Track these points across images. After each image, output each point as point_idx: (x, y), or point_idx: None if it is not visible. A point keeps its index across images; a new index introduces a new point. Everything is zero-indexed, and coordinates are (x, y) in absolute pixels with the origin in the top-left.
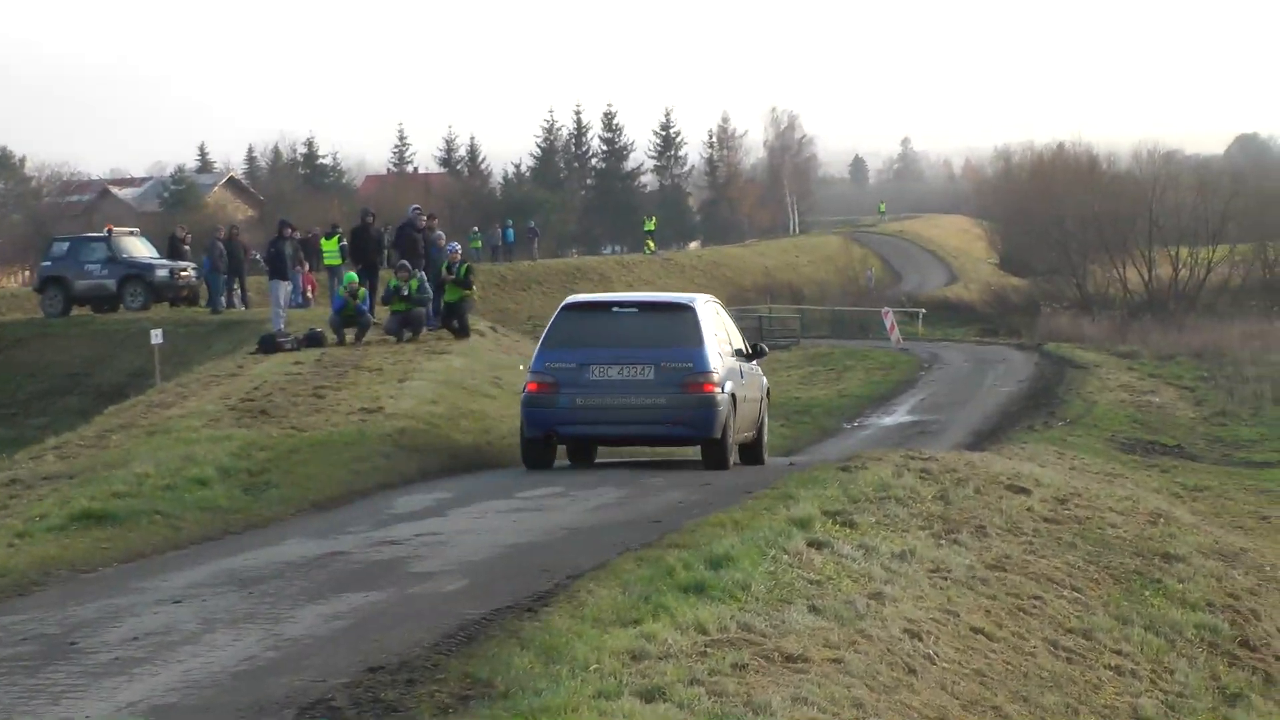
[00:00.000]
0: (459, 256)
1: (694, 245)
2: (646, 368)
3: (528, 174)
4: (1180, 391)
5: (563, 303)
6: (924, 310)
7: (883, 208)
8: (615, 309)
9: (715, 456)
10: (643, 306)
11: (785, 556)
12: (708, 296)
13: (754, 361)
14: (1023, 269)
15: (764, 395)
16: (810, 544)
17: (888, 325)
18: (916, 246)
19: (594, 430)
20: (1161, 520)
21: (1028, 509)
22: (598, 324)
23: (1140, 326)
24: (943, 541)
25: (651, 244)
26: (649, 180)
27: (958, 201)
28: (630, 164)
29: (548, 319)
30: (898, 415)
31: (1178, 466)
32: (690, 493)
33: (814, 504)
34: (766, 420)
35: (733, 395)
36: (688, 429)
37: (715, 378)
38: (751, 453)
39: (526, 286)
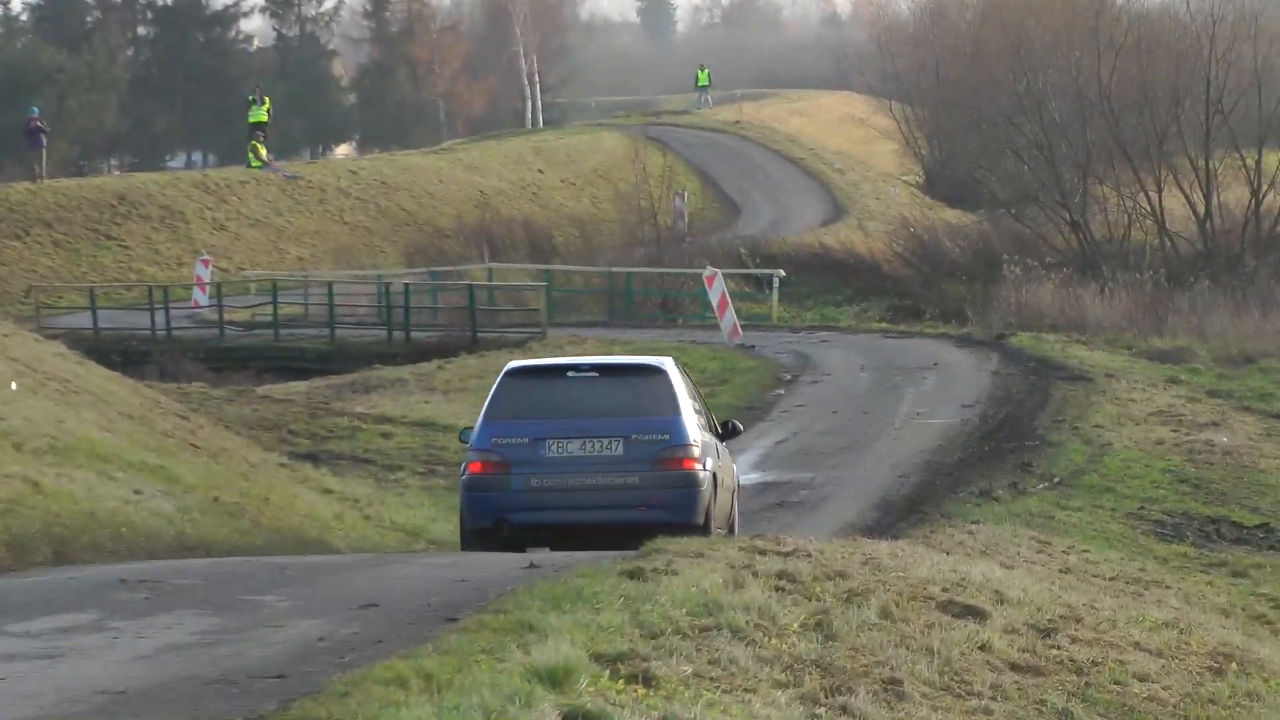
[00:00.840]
0: None
1: (344, 151)
2: (614, 441)
3: (25, 23)
4: (1267, 425)
5: (504, 369)
6: (782, 273)
7: (705, 78)
8: (571, 374)
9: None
10: (604, 370)
11: None
12: (669, 359)
13: (724, 443)
14: (966, 195)
15: (736, 486)
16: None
17: (714, 300)
18: (768, 152)
19: (553, 518)
20: (1233, 666)
21: (982, 647)
22: (550, 391)
23: (1191, 304)
24: (820, 712)
25: (261, 149)
26: (258, 31)
27: (845, 71)
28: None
29: (65, 289)
30: (736, 471)
31: (1262, 566)
32: (340, 619)
33: (577, 641)
34: (737, 518)
35: (714, 475)
36: (665, 512)
37: (695, 451)
38: None
39: (21, 232)
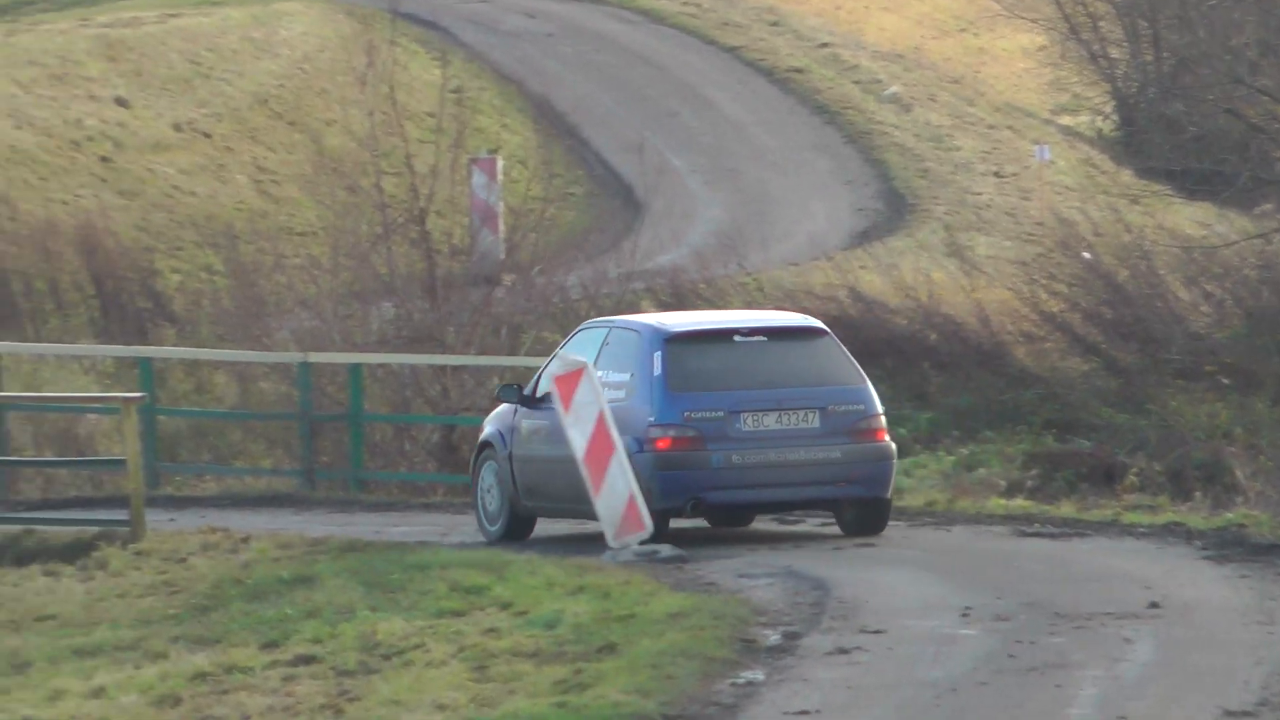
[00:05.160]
0: None
1: None
2: (810, 413)
3: None
4: None
5: (656, 332)
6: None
7: None
8: (737, 338)
9: (875, 519)
10: (769, 333)
11: None
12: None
13: None
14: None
15: None
16: None
17: (579, 442)
18: (725, 61)
19: (752, 496)
20: None
21: None
22: (723, 358)
23: None
24: None
25: None
26: None
27: None
28: None
29: None
30: None
31: None
32: None
33: None
34: None
35: None
36: (862, 488)
37: (884, 422)
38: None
39: None
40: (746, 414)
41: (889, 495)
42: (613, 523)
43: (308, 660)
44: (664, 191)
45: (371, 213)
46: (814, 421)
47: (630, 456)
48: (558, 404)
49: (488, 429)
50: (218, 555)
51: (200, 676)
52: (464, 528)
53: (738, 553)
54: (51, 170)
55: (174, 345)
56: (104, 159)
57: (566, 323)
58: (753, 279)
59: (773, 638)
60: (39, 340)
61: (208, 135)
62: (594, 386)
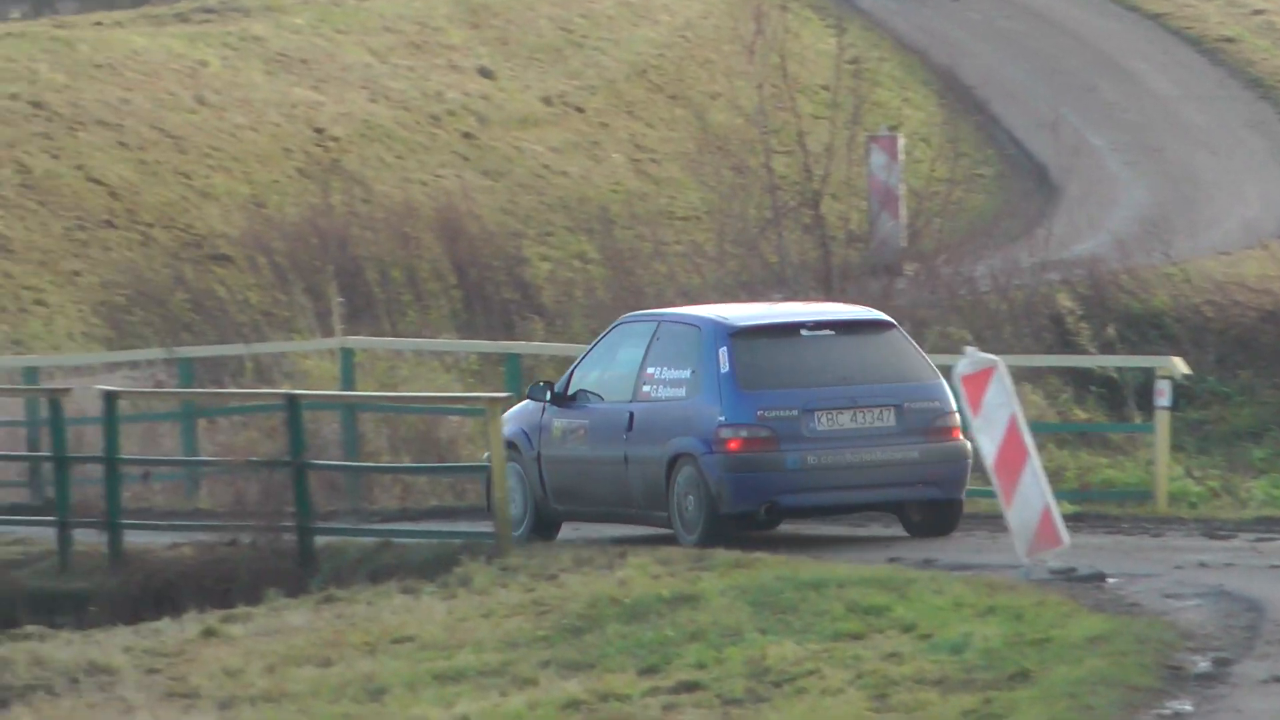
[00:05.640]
0: None
1: None
2: (886, 410)
3: None
4: None
5: (722, 326)
6: (1178, 369)
7: None
8: (804, 331)
9: (947, 522)
10: (838, 326)
11: None
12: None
13: None
14: None
15: None
16: None
17: (990, 449)
18: (1167, 40)
19: (830, 499)
20: None
21: None
22: (792, 353)
23: None
24: None
25: None
26: None
27: None
28: None
29: None
30: None
31: None
32: None
33: None
34: None
35: None
36: (939, 490)
37: (958, 420)
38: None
39: None
40: (821, 413)
41: (963, 497)
42: (1025, 537)
43: (690, 687)
44: (1081, 173)
45: (760, 195)
46: (890, 420)
47: (698, 458)
48: (965, 407)
49: (507, 428)
50: (591, 572)
51: (573, 705)
52: (862, 542)
53: (1160, 570)
54: (409, 148)
55: (543, 340)
56: (466, 135)
57: (974, 317)
58: (1179, 269)
59: (1202, 664)
60: (395, 334)
61: (580, 110)
62: (1006, 386)
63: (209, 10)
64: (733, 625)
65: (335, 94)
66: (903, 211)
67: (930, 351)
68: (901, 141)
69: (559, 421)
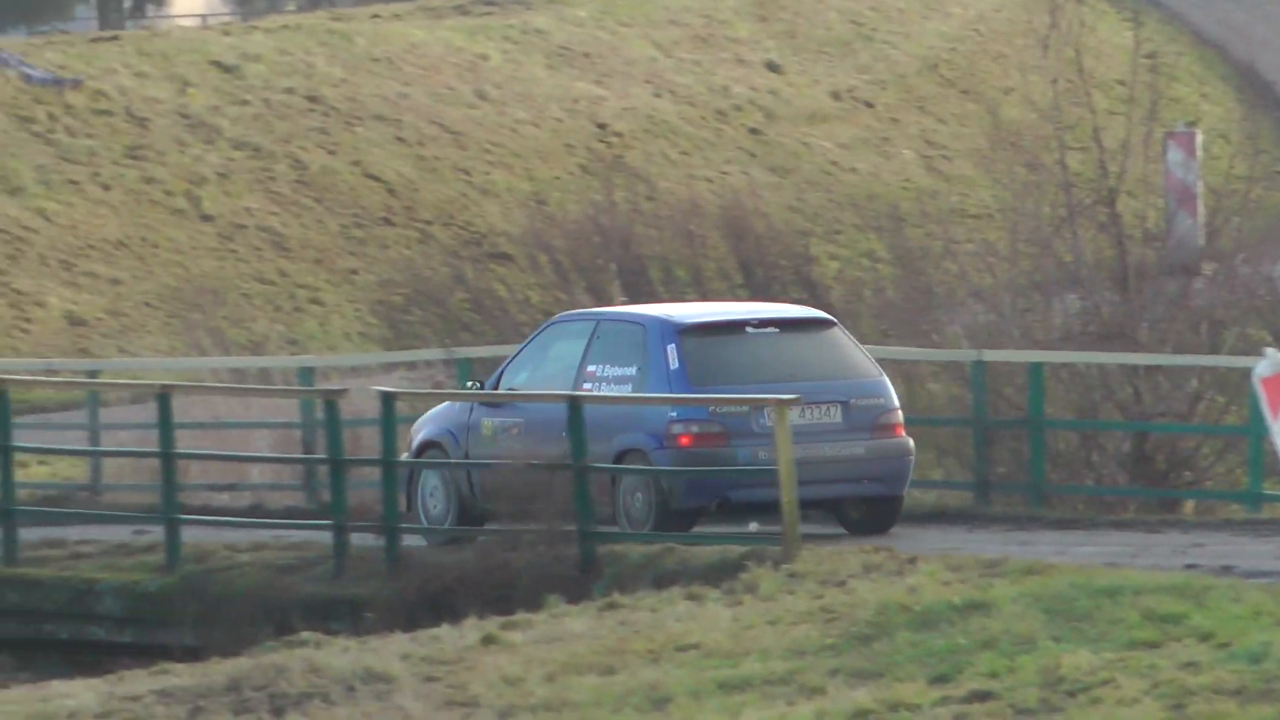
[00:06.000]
0: None
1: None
2: (833, 407)
3: None
4: None
5: (669, 324)
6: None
7: None
8: (749, 329)
9: (885, 518)
10: (782, 324)
11: None
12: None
13: None
14: None
15: None
16: None
17: None
18: None
19: (777, 494)
20: None
21: None
22: (739, 350)
23: None
24: None
25: None
26: None
27: None
28: None
29: None
30: None
31: None
32: None
33: None
34: None
35: None
36: (883, 486)
37: (902, 416)
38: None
39: None
40: (769, 409)
41: (904, 494)
42: None
43: (982, 697)
44: None
45: (1055, 193)
46: (837, 416)
47: (648, 454)
48: (1264, 409)
49: (427, 430)
50: (880, 578)
51: (861, 715)
52: (1158, 548)
53: None
54: (695, 143)
55: None
56: (753, 130)
57: (1274, 318)
58: None
59: None
60: None
61: (870, 105)
62: None
63: (489, 2)
64: (1025, 633)
65: (619, 88)
66: (1200, 209)
67: (1228, 354)
68: (1199, 138)
69: (490, 420)
